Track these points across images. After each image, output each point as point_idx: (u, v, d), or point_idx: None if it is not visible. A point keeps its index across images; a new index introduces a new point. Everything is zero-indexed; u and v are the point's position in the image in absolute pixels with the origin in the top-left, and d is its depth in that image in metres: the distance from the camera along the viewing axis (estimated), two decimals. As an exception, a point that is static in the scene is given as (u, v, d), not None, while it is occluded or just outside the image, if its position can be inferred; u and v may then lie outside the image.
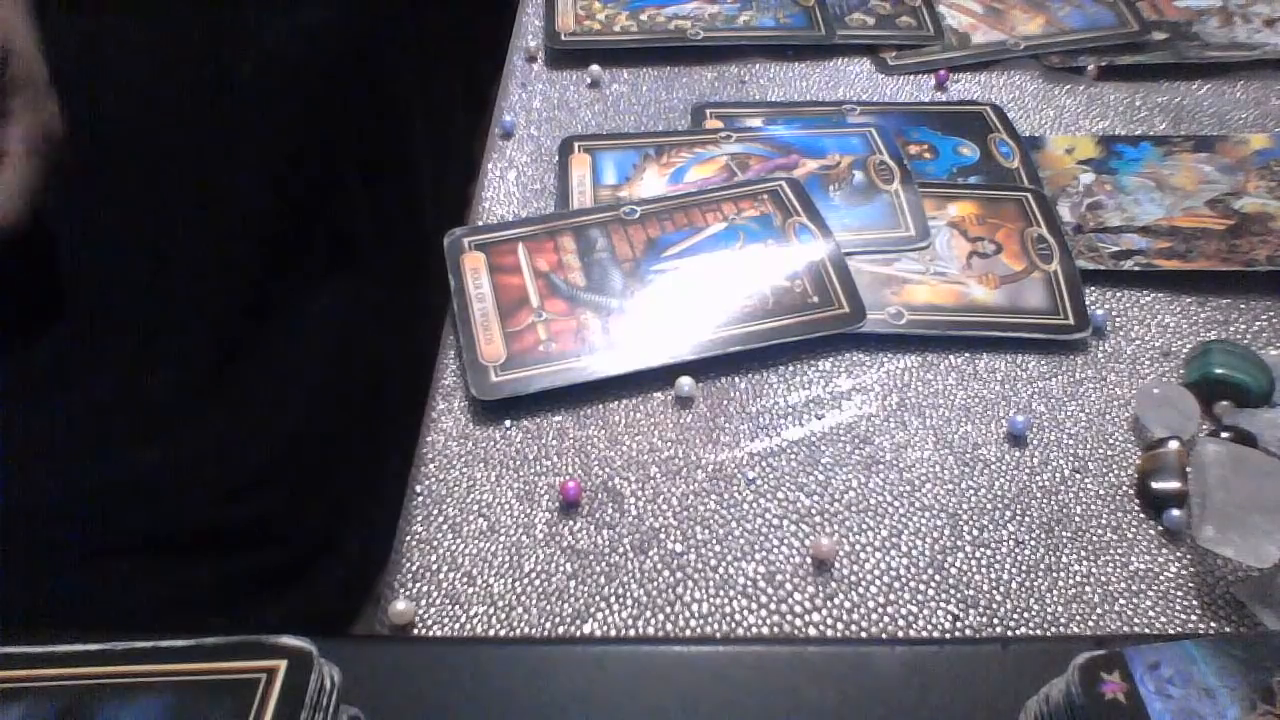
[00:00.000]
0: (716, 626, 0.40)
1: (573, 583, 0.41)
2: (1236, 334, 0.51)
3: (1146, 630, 0.39)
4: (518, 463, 0.46)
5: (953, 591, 0.41)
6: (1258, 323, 0.52)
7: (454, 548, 0.43)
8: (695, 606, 0.40)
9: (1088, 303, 0.52)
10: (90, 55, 0.54)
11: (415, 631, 0.40)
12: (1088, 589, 0.41)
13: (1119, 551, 0.42)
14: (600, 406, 0.48)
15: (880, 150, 0.60)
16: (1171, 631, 0.39)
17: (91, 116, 0.53)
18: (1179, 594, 0.41)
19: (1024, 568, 0.42)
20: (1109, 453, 0.46)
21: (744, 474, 0.45)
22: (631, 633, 0.40)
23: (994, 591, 0.41)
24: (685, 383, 0.48)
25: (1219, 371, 0.47)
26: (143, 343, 0.52)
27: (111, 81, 0.54)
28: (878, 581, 0.41)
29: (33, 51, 0.45)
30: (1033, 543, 0.42)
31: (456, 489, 0.45)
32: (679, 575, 0.41)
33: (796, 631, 0.40)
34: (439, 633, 0.40)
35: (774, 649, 0.37)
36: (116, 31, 0.54)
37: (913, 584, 0.41)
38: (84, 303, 0.51)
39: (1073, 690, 0.29)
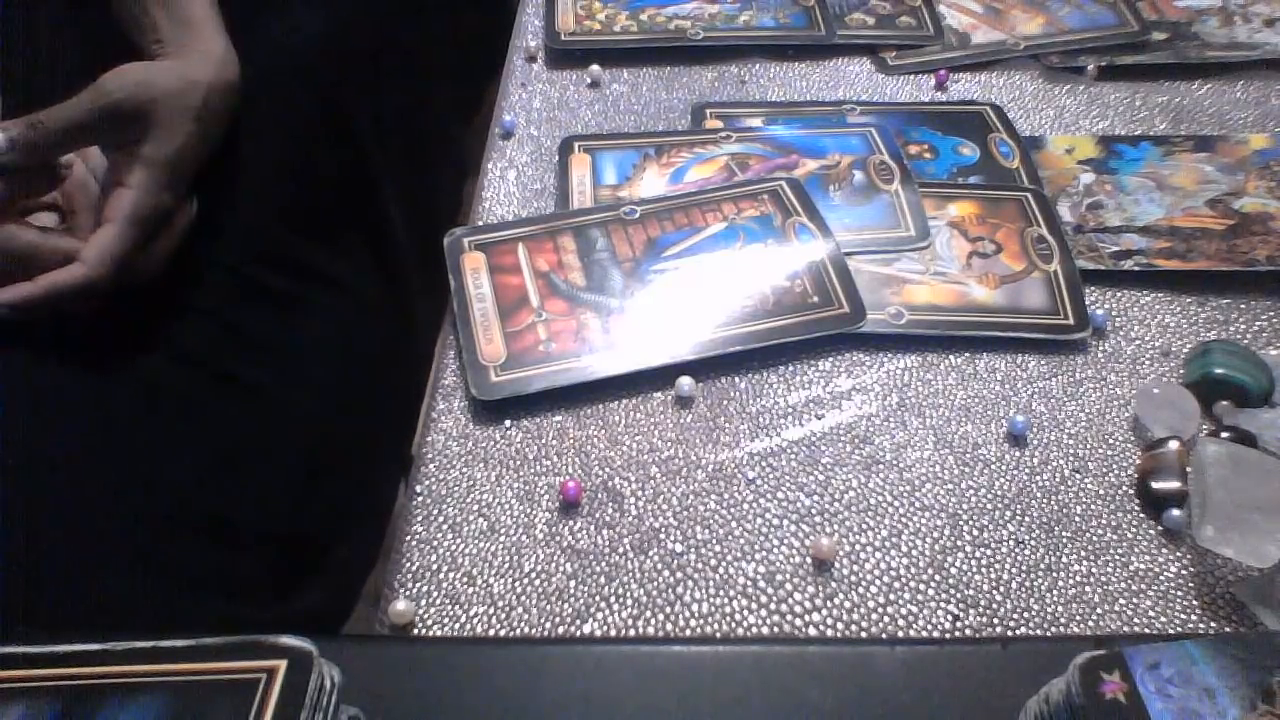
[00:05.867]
0: (716, 626, 0.40)
1: (573, 583, 0.41)
2: (1236, 334, 0.51)
3: (1146, 630, 0.39)
4: (518, 463, 0.46)
5: (953, 591, 0.41)
6: (1258, 323, 0.52)
7: (454, 548, 0.43)
8: (695, 606, 0.40)
9: (1088, 303, 0.52)
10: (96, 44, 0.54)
11: (415, 631, 0.40)
12: (1088, 589, 0.41)
13: (1119, 551, 0.42)
14: (600, 406, 0.48)
15: (880, 150, 0.60)
16: (1171, 631, 0.39)
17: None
18: (1179, 594, 0.41)
19: (1024, 568, 0.42)
20: (1109, 453, 0.46)
21: (744, 474, 0.45)
22: (631, 633, 0.40)
23: (994, 591, 0.41)
24: (685, 383, 0.48)
25: (1219, 371, 0.47)
26: (145, 339, 0.52)
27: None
28: (878, 581, 0.41)
29: (171, 90, 0.49)
30: (1033, 543, 0.42)
31: (456, 489, 0.45)
32: (679, 575, 0.41)
33: (796, 631, 0.40)
34: (439, 633, 0.40)
35: (774, 649, 0.37)
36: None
37: (913, 584, 0.41)
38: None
39: (1073, 690, 0.29)
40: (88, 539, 0.48)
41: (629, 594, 0.41)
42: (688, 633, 0.40)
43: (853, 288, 0.52)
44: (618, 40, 0.70)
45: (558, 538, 0.43)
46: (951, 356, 0.50)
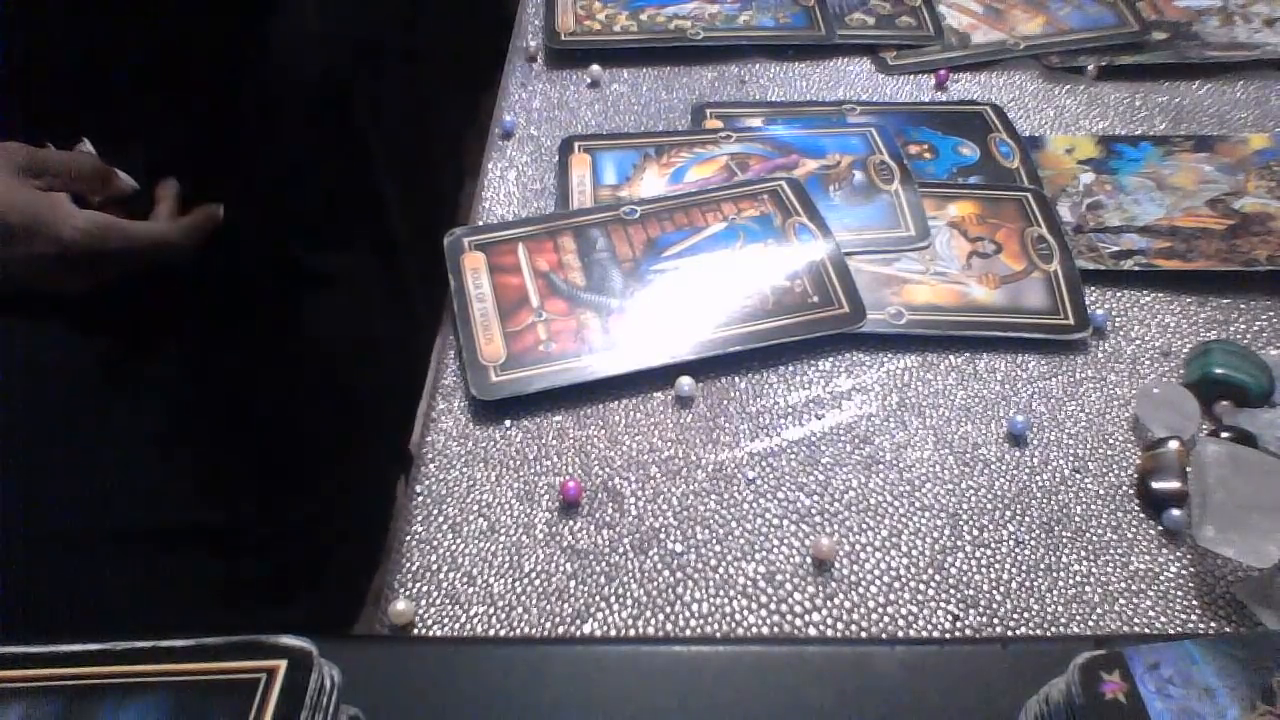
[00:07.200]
0: (716, 626, 0.40)
1: (573, 583, 0.41)
2: (1236, 334, 0.51)
3: (1146, 630, 0.39)
4: (518, 463, 0.46)
5: (953, 591, 0.41)
6: (1258, 323, 0.52)
7: (454, 548, 0.43)
8: (695, 606, 0.40)
9: (1088, 303, 0.52)
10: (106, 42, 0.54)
11: (415, 631, 0.40)
12: (1088, 589, 0.41)
13: (1119, 551, 0.42)
14: (600, 406, 0.48)
15: (880, 150, 0.60)
16: (1171, 631, 0.39)
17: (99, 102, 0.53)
18: (1179, 594, 0.41)
19: (1024, 568, 0.42)
20: (1109, 453, 0.46)
21: (744, 474, 0.45)
22: (631, 633, 0.40)
23: (994, 591, 0.41)
24: (685, 383, 0.48)
25: (1219, 371, 0.47)
26: (145, 343, 0.52)
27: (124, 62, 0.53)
28: (878, 581, 0.41)
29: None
30: (1033, 543, 0.42)
31: (456, 489, 0.45)
32: (679, 575, 0.41)
33: (796, 631, 0.40)
34: (439, 633, 0.40)
35: (774, 649, 0.37)
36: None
37: (913, 584, 0.41)
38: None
39: (1073, 690, 0.29)
40: (89, 545, 0.48)
41: (629, 594, 0.41)
42: (688, 633, 0.40)
43: (853, 288, 0.52)
44: (618, 40, 0.70)
45: (558, 538, 0.43)
46: (951, 356, 0.50)
